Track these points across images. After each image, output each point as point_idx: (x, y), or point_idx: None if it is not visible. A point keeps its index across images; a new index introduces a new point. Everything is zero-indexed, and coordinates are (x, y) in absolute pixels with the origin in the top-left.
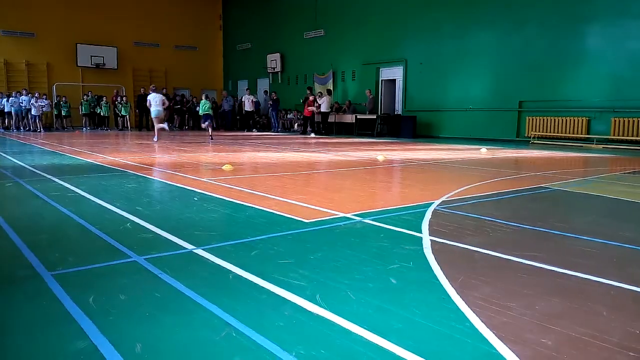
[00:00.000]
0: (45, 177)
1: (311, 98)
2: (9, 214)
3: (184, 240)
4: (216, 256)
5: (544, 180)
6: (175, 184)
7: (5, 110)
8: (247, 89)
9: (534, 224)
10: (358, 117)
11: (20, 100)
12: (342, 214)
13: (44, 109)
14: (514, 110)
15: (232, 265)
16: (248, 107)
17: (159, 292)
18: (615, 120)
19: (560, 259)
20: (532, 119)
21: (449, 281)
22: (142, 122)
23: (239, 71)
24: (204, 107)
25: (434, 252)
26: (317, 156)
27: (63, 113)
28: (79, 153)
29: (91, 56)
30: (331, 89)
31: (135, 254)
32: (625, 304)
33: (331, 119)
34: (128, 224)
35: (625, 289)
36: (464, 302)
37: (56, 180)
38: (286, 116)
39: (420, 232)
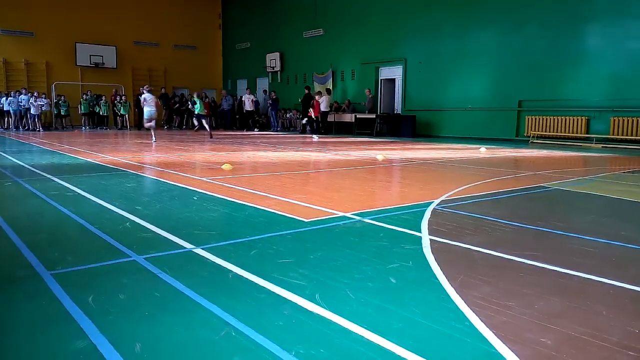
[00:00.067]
0: (45, 176)
1: (317, 98)
2: (8, 214)
3: (184, 240)
4: (216, 255)
5: (543, 179)
6: (174, 183)
7: (5, 110)
8: (247, 89)
9: (533, 224)
10: (357, 116)
11: (20, 100)
12: (341, 214)
13: (43, 108)
14: (514, 110)
15: (231, 265)
16: (248, 106)
17: (158, 292)
18: (614, 120)
19: (560, 258)
20: (532, 119)
21: (448, 280)
22: (141, 122)
23: (238, 70)
24: (201, 106)
25: (433, 251)
26: (317, 155)
27: (62, 112)
28: (78, 152)
29: (90, 55)
30: (330, 88)
31: (134, 254)
32: (625, 303)
33: (330, 118)
34: (127, 224)
35: (625, 288)
36: (463, 302)
37: (55, 179)
38: (285, 115)
39: (420, 231)
